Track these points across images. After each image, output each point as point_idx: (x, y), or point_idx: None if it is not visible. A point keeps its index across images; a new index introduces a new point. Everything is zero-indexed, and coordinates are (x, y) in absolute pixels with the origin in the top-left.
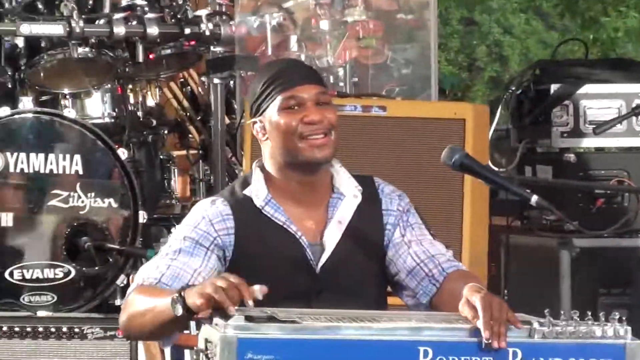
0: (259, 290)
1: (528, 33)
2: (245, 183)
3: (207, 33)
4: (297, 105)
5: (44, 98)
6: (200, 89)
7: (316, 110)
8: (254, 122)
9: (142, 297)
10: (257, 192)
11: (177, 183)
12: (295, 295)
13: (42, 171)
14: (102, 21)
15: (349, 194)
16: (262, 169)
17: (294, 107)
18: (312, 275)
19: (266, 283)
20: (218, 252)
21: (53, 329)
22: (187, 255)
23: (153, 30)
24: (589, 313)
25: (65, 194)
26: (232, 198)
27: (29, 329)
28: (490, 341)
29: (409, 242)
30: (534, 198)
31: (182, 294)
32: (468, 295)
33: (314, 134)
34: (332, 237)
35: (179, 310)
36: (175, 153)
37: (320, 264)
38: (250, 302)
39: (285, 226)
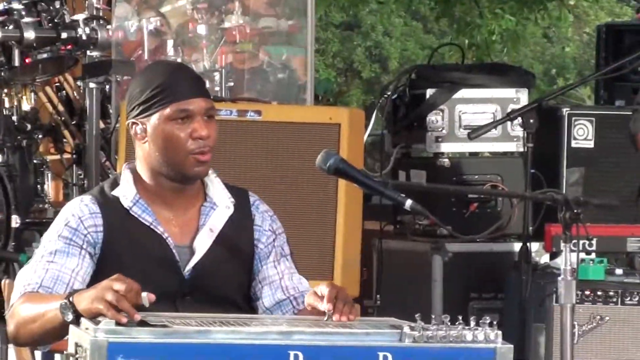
0: (146, 297)
1: (407, 35)
2: (115, 183)
3: (84, 37)
4: (187, 118)
5: None
6: (75, 93)
7: (204, 125)
8: (134, 123)
9: (29, 304)
10: (125, 192)
11: (50, 188)
12: (161, 297)
13: None
14: None
15: (221, 205)
16: (133, 170)
17: (183, 119)
18: (179, 277)
19: (133, 281)
20: (90, 250)
21: None
22: (63, 256)
23: (30, 35)
24: (460, 317)
25: None
26: (101, 197)
27: None
28: (331, 313)
29: (281, 273)
30: (408, 202)
31: (71, 299)
32: (315, 288)
33: (200, 150)
34: (203, 243)
35: (69, 317)
36: (49, 157)
37: (188, 268)
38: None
39: (152, 227)
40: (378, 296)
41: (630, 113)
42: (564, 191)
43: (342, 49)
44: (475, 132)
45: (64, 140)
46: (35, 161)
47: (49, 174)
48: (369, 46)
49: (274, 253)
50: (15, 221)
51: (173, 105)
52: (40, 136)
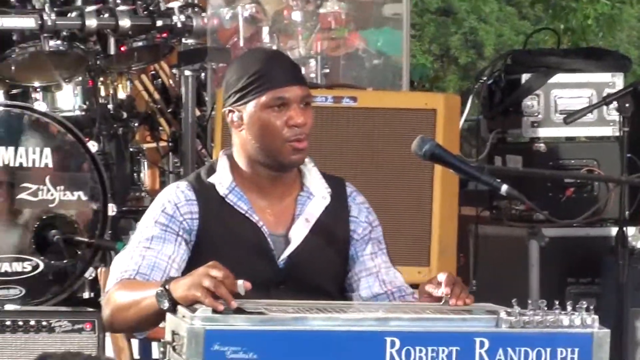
0: (242, 285)
1: (502, 21)
2: (212, 170)
3: (179, 25)
4: (283, 105)
5: (14, 91)
6: (171, 81)
7: (301, 112)
8: (231, 111)
9: (124, 292)
10: (222, 179)
11: (146, 176)
12: (256, 285)
13: (11, 164)
14: (73, 14)
15: (318, 194)
16: (230, 157)
17: (279, 107)
18: (273, 266)
19: (228, 269)
20: (186, 237)
21: (21, 323)
22: (159, 242)
23: (125, 23)
24: (557, 302)
25: (34, 187)
26: (197, 183)
27: None
28: (449, 298)
29: (379, 267)
30: (504, 187)
31: (167, 287)
32: (431, 278)
33: (297, 137)
34: (299, 232)
35: (166, 304)
36: (145, 146)
37: (283, 257)
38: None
39: (247, 215)
40: (474, 282)
41: None
42: None
43: (438, 35)
44: (571, 117)
45: (160, 128)
46: (131, 149)
47: (145, 162)
48: (464, 32)
49: (371, 245)
50: (112, 209)
51: (269, 92)
52: (136, 124)
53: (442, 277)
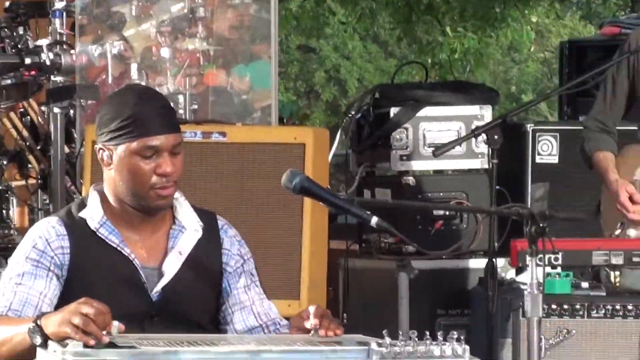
0: (117, 327)
1: (366, 60)
2: (82, 205)
3: (48, 63)
4: (152, 154)
5: None
6: (40, 119)
7: (170, 161)
8: (101, 149)
9: None
10: (92, 214)
11: (15, 213)
12: (129, 318)
13: None
14: None
15: (190, 228)
16: (100, 192)
17: (149, 154)
18: (147, 299)
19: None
20: (57, 272)
21: None
22: (31, 278)
23: None
24: (428, 333)
25: None
26: (68, 218)
27: None
28: (317, 328)
29: (252, 299)
30: (374, 219)
31: (39, 322)
32: (300, 311)
33: (163, 185)
34: (172, 265)
35: (38, 340)
36: (14, 183)
37: (157, 289)
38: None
39: (119, 248)
40: (345, 315)
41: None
42: (529, 206)
43: (303, 72)
44: (439, 150)
45: (29, 165)
46: None
47: (14, 200)
48: (328, 69)
49: (244, 278)
50: None
51: (140, 140)
52: (4, 162)
53: (311, 309)
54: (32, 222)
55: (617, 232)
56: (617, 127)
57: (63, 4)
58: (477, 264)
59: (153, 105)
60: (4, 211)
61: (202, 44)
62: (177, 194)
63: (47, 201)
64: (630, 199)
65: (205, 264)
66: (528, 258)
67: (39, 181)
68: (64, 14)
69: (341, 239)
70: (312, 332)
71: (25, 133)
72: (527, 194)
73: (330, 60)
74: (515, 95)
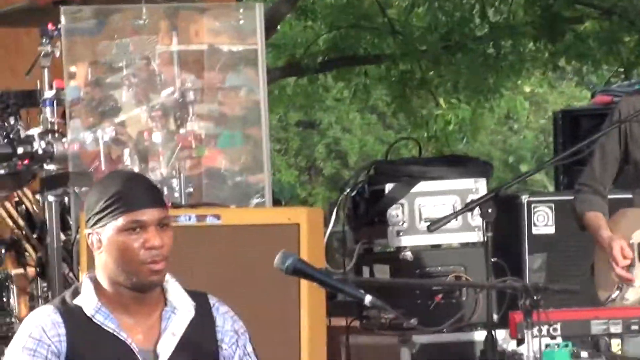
0: None
1: (365, 131)
2: (76, 292)
3: (40, 151)
4: (139, 228)
5: None
6: (35, 207)
7: (157, 234)
8: (90, 234)
9: None
10: (87, 301)
11: (16, 302)
12: None
13: None
14: None
15: (182, 309)
16: (93, 279)
17: (135, 230)
18: None
19: None
20: None
21: None
22: None
23: None
24: None
25: None
26: (63, 306)
27: None
28: None
29: None
30: (368, 298)
31: None
32: None
33: (153, 260)
34: (167, 347)
35: None
36: (13, 272)
37: None
38: None
39: (115, 333)
40: None
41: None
42: (527, 277)
43: (303, 147)
44: (434, 225)
45: (27, 253)
46: None
47: (14, 288)
48: (328, 143)
49: (238, 353)
50: None
51: (125, 215)
52: (3, 251)
53: None
54: (32, 309)
55: (615, 294)
56: (611, 196)
57: (53, 92)
58: (479, 336)
59: (137, 182)
60: (4, 299)
61: (193, 127)
62: (167, 276)
63: (46, 289)
64: (622, 254)
65: (200, 343)
66: (524, 331)
67: (37, 269)
68: (55, 102)
69: (342, 315)
70: None
71: (21, 222)
72: (525, 265)
73: (330, 132)
74: (513, 165)
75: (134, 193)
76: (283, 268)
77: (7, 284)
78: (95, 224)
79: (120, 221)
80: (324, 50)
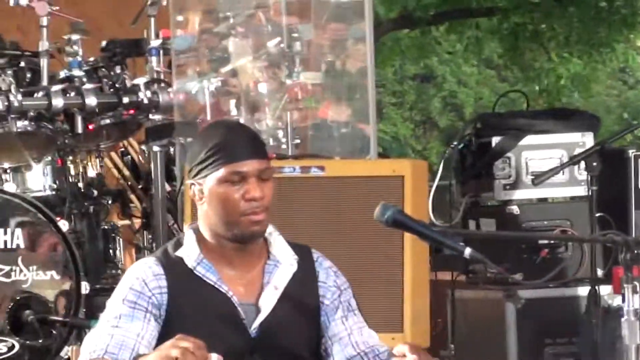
0: (216, 358)
1: (481, 84)
2: (178, 244)
3: (146, 101)
4: (240, 180)
5: None
6: (140, 158)
7: (258, 186)
8: (193, 184)
9: None
10: (189, 252)
11: (122, 253)
12: (229, 355)
13: None
14: (40, 94)
15: (285, 262)
16: (196, 230)
17: (236, 181)
18: (245, 335)
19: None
20: (155, 312)
21: None
22: (128, 320)
23: (91, 101)
24: None
25: (7, 268)
26: (165, 258)
27: None
28: None
29: (350, 329)
30: (467, 251)
31: None
32: (393, 349)
33: (254, 211)
34: (268, 301)
35: None
36: (120, 223)
37: (255, 325)
38: None
39: (216, 286)
40: (452, 346)
41: None
42: (633, 233)
43: (419, 100)
44: (539, 179)
45: (132, 204)
46: (105, 227)
47: (120, 240)
48: (444, 96)
49: (341, 308)
50: (85, 288)
51: (226, 167)
52: (109, 202)
53: (403, 347)
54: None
55: None
56: None
57: (159, 42)
58: (584, 291)
59: (239, 133)
60: (111, 251)
61: (299, 77)
62: (271, 229)
63: (151, 240)
64: None
65: (302, 297)
66: (624, 285)
67: (143, 220)
68: (161, 51)
69: (448, 269)
70: None
71: (126, 172)
72: (631, 221)
73: (446, 85)
74: (628, 121)
75: (235, 144)
76: (383, 220)
77: (113, 235)
78: (197, 174)
79: (221, 172)
80: (436, 2)
